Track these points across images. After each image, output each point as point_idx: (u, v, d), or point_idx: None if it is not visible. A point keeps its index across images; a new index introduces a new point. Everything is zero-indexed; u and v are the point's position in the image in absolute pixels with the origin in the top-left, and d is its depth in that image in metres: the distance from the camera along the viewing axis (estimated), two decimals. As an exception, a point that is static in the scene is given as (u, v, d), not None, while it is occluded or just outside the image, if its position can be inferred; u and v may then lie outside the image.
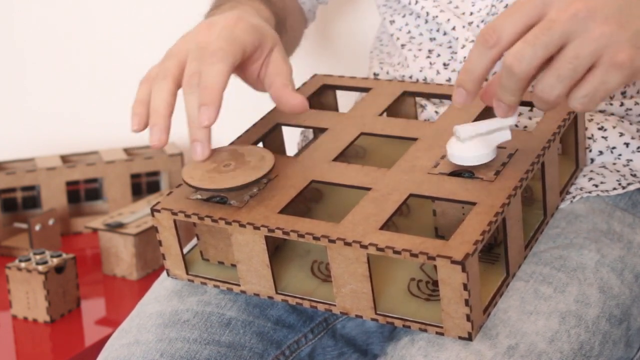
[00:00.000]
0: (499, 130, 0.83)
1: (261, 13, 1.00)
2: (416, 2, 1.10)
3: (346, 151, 0.92)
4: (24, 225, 1.44)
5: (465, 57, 1.04)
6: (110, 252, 1.35)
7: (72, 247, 1.44)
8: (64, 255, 1.25)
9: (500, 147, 0.86)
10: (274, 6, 1.07)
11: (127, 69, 1.65)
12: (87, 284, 1.34)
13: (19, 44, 1.65)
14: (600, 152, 1.00)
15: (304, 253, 0.89)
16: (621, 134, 1.00)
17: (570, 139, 0.96)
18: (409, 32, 1.13)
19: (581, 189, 0.96)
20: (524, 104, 0.89)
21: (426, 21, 1.11)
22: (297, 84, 0.98)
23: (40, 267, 1.22)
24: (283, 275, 0.86)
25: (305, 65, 1.40)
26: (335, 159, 0.89)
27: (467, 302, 0.75)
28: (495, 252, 0.86)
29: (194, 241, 0.92)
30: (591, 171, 0.98)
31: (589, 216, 0.93)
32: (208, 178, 0.85)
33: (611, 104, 1.02)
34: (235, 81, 0.94)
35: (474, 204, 0.80)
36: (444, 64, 1.07)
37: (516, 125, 1.00)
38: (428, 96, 1.00)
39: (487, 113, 0.92)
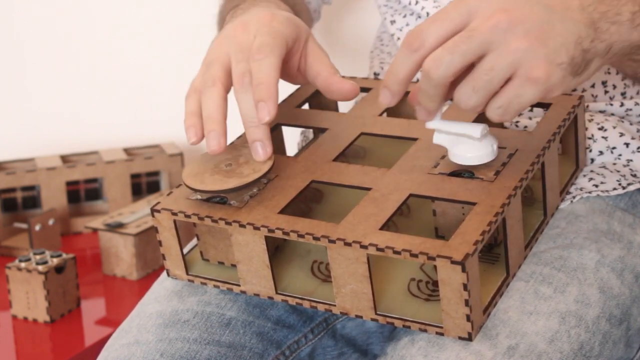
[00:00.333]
0: (466, 136, 0.83)
1: (280, 7, 1.00)
2: (416, 3, 1.10)
3: (346, 151, 0.92)
4: (24, 225, 1.44)
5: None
6: (110, 252, 1.35)
7: (72, 247, 1.44)
8: (64, 255, 1.25)
9: (500, 147, 0.86)
10: (287, 2, 1.07)
11: (127, 69, 1.65)
12: (87, 284, 1.34)
13: (19, 44, 1.65)
14: (601, 152, 0.99)
15: (304, 253, 0.89)
16: (621, 134, 1.00)
17: (570, 139, 0.96)
18: (410, 32, 1.13)
19: (581, 189, 0.96)
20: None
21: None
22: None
23: (40, 267, 1.22)
24: (283, 276, 0.86)
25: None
26: (336, 159, 0.89)
27: (467, 302, 0.75)
28: (495, 252, 0.86)
29: (194, 241, 0.92)
30: (591, 171, 0.98)
31: (589, 216, 0.93)
32: (208, 178, 0.85)
33: (611, 104, 1.02)
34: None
35: (474, 204, 0.80)
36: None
37: (516, 125, 1.00)
38: (428, 96, 1.00)
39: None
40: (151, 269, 1.36)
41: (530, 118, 1.01)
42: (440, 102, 0.79)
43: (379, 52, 1.19)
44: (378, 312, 0.80)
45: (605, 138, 1.00)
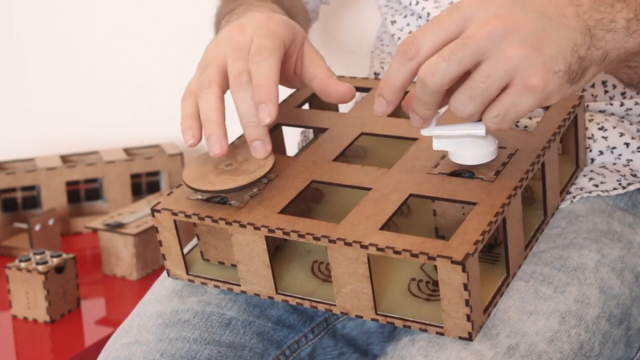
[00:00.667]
0: (469, 136, 0.83)
1: (275, 10, 1.00)
2: (417, 3, 1.10)
3: (346, 151, 0.92)
4: (24, 225, 1.44)
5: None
6: (110, 252, 1.35)
7: (72, 247, 1.44)
8: (64, 255, 1.25)
9: (500, 147, 0.86)
10: (282, 4, 1.07)
11: (127, 69, 1.65)
12: (87, 284, 1.34)
13: (19, 44, 1.65)
14: (601, 152, 1.00)
15: (304, 253, 0.89)
16: (621, 134, 1.00)
17: (570, 139, 0.96)
18: (410, 32, 1.13)
19: (581, 189, 0.96)
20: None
21: (427, 22, 1.11)
22: (297, 84, 0.98)
23: (40, 267, 1.22)
24: (283, 276, 0.86)
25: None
26: (336, 159, 0.89)
27: (467, 302, 0.75)
28: (495, 252, 0.86)
29: (194, 241, 0.92)
30: (591, 171, 0.98)
31: (589, 216, 0.93)
32: (208, 178, 0.85)
33: (611, 104, 1.02)
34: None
35: (474, 204, 0.80)
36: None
37: (516, 125, 1.00)
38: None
39: None
40: (151, 269, 1.36)
41: (530, 118, 1.01)
42: (435, 109, 0.78)
43: (380, 52, 1.19)
44: (378, 312, 0.80)
45: (605, 138, 1.00)
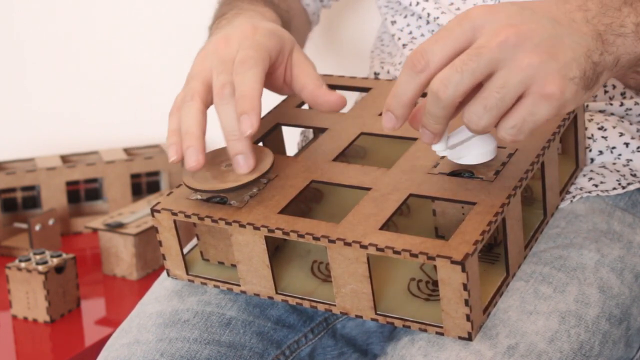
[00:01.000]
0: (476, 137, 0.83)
1: (266, 15, 0.99)
2: (417, 4, 1.10)
3: (346, 151, 0.92)
4: (24, 225, 1.44)
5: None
6: (110, 252, 1.35)
7: (72, 247, 1.44)
8: (64, 255, 1.25)
9: (500, 147, 0.86)
10: (277, 8, 1.07)
11: (127, 69, 1.65)
12: (87, 284, 1.34)
13: (19, 44, 1.65)
14: (600, 152, 1.00)
15: (304, 253, 0.89)
16: (621, 134, 1.00)
17: (570, 139, 0.96)
18: (411, 32, 1.13)
19: (581, 188, 0.96)
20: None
21: (427, 22, 1.11)
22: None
23: (40, 267, 1.22)
24: (283, 276, 0.86)
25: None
26: (336, 159, 0.89)
27: (467, 302, 0.75)
28: (495, 252, 0.86)
29: (194, 241, 0.92)
30: (591, 171, 0.98)
31: (589, 216, 0.93)
32: (208, 178, 0.85)
33: (611, 104, 1.02)
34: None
35: (473, 203, 0.80)
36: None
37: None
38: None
39: None
40: (151, 269, 1.36)
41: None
42: (447, 124, 0.76)
43: (380, 52, 1.19)
44: (378, 312, 0.80)
45: (605, 138, 1.00)
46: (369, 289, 0.79)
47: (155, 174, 1.52)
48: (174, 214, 0.85)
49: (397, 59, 1.14)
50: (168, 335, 0.88)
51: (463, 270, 0.73)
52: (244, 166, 0.85)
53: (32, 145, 1.65)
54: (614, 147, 0.99)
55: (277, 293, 0.84)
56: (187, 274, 0.89)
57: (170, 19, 1.62)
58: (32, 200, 1.48)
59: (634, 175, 0.99)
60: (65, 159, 1.51)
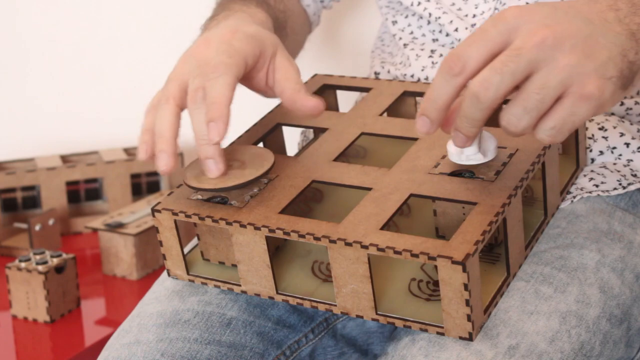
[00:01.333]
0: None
1: (256, 17, 0.99)
2: (418, 4, 1.10)
3: (347, 151, 0.92)
4: (24, 225, 1.44)
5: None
6: (110, 252, 1.35)
7: (72, 247, 1.44)
8: (64, 255, 1.25)
9: (500, 147, 0.86)
10: (272, 9, 1.06)
11: (127, 69, 1.65)
12: (87, 284, 1.34)
13: (20, 44, 1.65)
14: (601, 152, 1.00)
15: (304, 253, 0.89)
16: (622, 134, 1.00)
17: (570, 139, 0.96)
18: (412, 32, 1.13)
19: (582, 189, 0.96)
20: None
21: (428, 22, 1.11)
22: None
23: (40, 267, 1.22)
24: (284, 276, 0.86)
25: (305, 65, 1.40)
26: (336, 159, 0.89)
27: (467, 302, 0.75)
28: (495, 252, 0.86)
29: (195, 241, 0.92)
30: (592, 171, 0.98)
31: (590, 216, 0.93)
32: (208, 178, 0.85)
33: (611, 104, 1.02)
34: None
35: (474, 203, 0.80)
36: (445, 64, 1.07)
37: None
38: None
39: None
40: (151, 269, 1.36)
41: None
42: (481, 127, 0.76)
43: (380, 52, 1.19)
44: (379, 312, 0.80)
45: (605, 138, 1.00)
46: (370, 289, 0.79)
47: (155, 174, 1.52)
48: (175, 213, 0.85)
49: (397, 59, 1.14)
50: (168, 336, 0.88)
51: (464, 270, 0.73)
52: (214, 170, 0.85)
53: (32, 145, 1.65)
54: (614, 147, 0.99)
55: (277, 293, 0.84)
56: (188, 274, 0.89)
57: (170, 19, 1.62)
58: (32, 200, 1.48)
59: (635, 176, 0.99)
60: (65, 159, 1.51)
